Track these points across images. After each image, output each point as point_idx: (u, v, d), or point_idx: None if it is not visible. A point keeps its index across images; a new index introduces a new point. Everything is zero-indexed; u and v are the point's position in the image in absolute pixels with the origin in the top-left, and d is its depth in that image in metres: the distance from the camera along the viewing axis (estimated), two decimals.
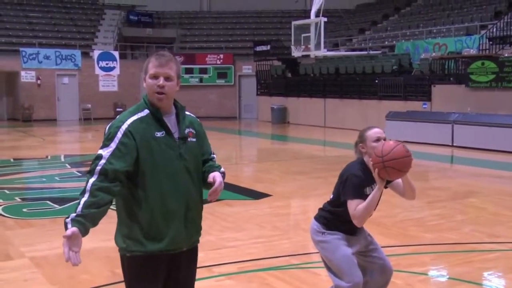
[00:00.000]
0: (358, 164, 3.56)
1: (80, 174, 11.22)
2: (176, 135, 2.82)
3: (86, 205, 2.63)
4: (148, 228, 2.78)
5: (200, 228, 2.99)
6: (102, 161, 2.67)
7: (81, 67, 27.63)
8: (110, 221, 7.70)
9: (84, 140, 20.18)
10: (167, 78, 2.78)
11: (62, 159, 13.58)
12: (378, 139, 3.49)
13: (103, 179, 2.66)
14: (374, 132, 3.54)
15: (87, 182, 2.67)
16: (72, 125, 24.89)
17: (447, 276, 5.15)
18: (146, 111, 2.80)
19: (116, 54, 28.48)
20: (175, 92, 2.84)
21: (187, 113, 2.96)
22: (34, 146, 16.60)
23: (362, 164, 3.55)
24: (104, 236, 6.39)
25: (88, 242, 6.34)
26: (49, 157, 13.78)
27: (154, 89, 2.77)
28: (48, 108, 26.99)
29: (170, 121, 2.84)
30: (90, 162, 2.74)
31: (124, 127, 2.73)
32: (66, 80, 27.45)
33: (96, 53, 28.00)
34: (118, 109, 27.80)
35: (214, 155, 3.09)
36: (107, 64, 27.98)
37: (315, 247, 3.75)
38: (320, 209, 3.73)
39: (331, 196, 3.66)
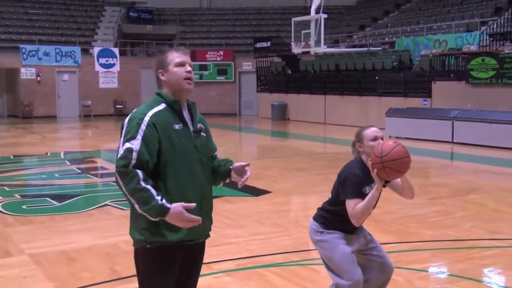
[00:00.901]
0: (356, 163, 3.54)
1: (80, 171, 11.21)
2: (191, 128, 2.92)
3: (156, 191, 2.72)
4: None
5: (212, 220, 3.07)
6: (134, 154, 2.73)
7: (81, 63, 27.59)
8: (108, 218, 7.72)
9: (84, 137, 20.17)
10: (191, 66, 2.94)
11: (62, 156, 13.56)
12: (375, 138, 3.49)
13: (142, 170, 2.73)
14: (371, 131, 3.53)
15: (133, 181, 2.70)
16: (72, 122, 24.88)
17: (448, 273, 5.14)
18: (163, 105, 2.88)
19: (116, 50, 28.43)
20: None
21: None
22: (34, 143, 16.60)
23: (360, 163, 3.54)
24: (103, 234, 6.42)
25: (87, 239, 6.37)
26: (49, 154, 13.76)
27: (183, 76, 2.89)
28: (48, 105, 26.96)
29: (185, 114, 2.94)
30: (119, 153, 2.77)
31: (147, 119, 2.79)
32: (66, 77, 27.42)
33: (96, 50, 27.95)
34: (118, 106, 27.81)
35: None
36: (107, 60, 27.93)
37: (315, 247, 3.73)
38: (318, 209, 3.72)
39: (330, 196, 3.64)
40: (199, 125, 2.98)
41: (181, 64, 2.89)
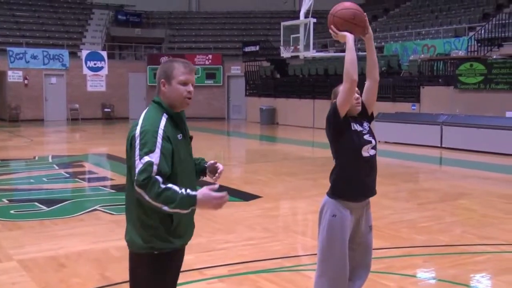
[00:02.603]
0: None
1: (68, 175, 11.12)
2: (187, 136, 3.03)
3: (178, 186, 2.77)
4: (176, 226, 2.89)
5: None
6: (155, 167, 2.74)
7: (69, 67, 27.45)
8: (96, 223, 7.68)
9: (72, 140, 20.04)
10: (193, 85, 2.98)
11: (50, 160, 13.46)
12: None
13: (161, 183, 2.74)
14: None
15: (155, 186, 2.71)
16: (60, 126, 24.71)
17: (439, 279, 5.13)
18: (166, 115, 2.90)
19: (104, 54, 28.32)
20: None
21: None
22: (21, 146, 16.46)
23: None
24: (93, 239, 6.37)
25: (77, 245, 6.31)
26: (36, 158, 13.64)
27: (184, 95, 2.92)
28: (35, 108, 26.79)
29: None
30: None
31: (161, 132, 2.82)
32: (53, 80, 27.25)
33: (84, 53, 27.83)
34: (106, 110, 27.70)
35: None
36: (95, 64, 27.82)
37: (319, 223, 3.64)
38: (330, 179, 3.66)
39: (333, 158, 3.66)
40: (188, 130, 3.08)
41: (185, 83, 2.91)
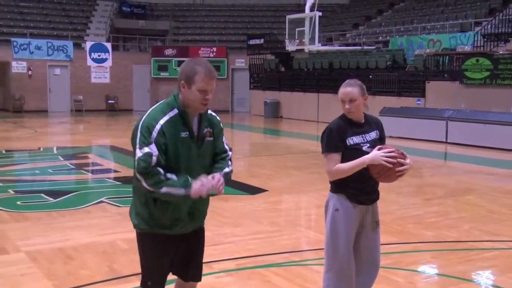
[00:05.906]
0: (337, 118, 3.71)
1: (73, 167, 11.12)
2: (196, 135, 3.07)
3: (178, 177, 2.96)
4: (158, 215, 3.06)
5: (205, 214, 3.29)
6: (154, 158, 2.91)
7: (73, 58, 27.40)
8: (103, 215, 7.65)
9: (76, 132, 20.02)
10: (212, 91, 3.03)
11: (55, 151, 13.45)
12: (342, 101, 3.65)
13: (162, 175, 2.93)
14: (341, 92, 3.68)
15: (158, 173, 2.91)
16: (64, 117, 24.71)
17: (448, 275, 5.11)
18: (175, 111, 3.01)
19: (109, 45, 28.27)
20: None
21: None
22: (25, 137, 16.46)
23: (341, 117, 3.70)
24: (100, 231, 6.38)
25: (84, 237, 6.30)
26: (41, 149, 13.64)
27: (201, 101, 3.00)
28: (39, 99, 26.77)
29: (194, 121, 3.08)
30: (135, 159, 2.99)
31: (158, 127, 2.95)
32: (57, 71, 27.22)
33: (88, 44, 27.78)
34: (109, 101, 27.68)
35: (230, 152, 3.29)
36: (99, 55, 27.77)
37: (325, 217, 3.66)
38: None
39: None
40: (205, 130, 3.10)
41: (204, 91, 2.96)
